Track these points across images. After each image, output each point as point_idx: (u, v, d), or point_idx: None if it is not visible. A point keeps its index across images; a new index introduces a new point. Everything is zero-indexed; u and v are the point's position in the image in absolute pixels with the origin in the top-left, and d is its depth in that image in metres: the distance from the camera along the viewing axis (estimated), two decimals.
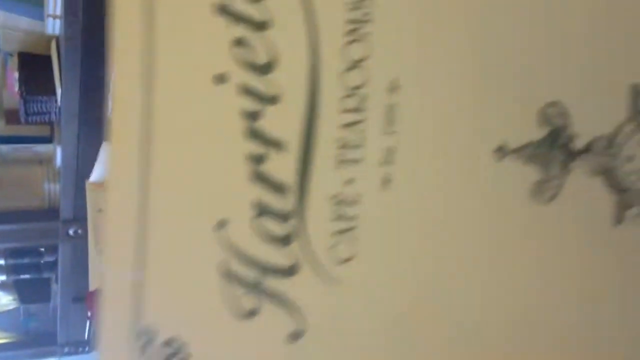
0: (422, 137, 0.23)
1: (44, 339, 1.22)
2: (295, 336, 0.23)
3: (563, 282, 0.24)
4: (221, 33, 0.22)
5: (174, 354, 0.23)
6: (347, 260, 0.23)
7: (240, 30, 0.22)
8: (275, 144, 0.23)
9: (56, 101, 0.99)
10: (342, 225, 0.23)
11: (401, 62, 0.22)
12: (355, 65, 0.22)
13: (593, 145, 0.23)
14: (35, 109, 1.02)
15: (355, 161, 0.23)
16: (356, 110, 0.22)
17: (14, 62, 1.01)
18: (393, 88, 0.22)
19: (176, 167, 0.23)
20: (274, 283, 0.23)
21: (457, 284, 0.24)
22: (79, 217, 0.97)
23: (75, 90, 0.89)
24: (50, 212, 1.06)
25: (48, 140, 1.11)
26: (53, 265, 1.14)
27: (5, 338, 1.26)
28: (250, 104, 0.22)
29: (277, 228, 0.23)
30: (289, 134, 0.23)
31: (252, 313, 0.23)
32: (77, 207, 0.98)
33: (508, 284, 0.24)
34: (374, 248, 0.24)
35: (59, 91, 0.95)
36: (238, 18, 0.22)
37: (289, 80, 0.22)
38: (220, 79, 0.22)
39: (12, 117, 1.08)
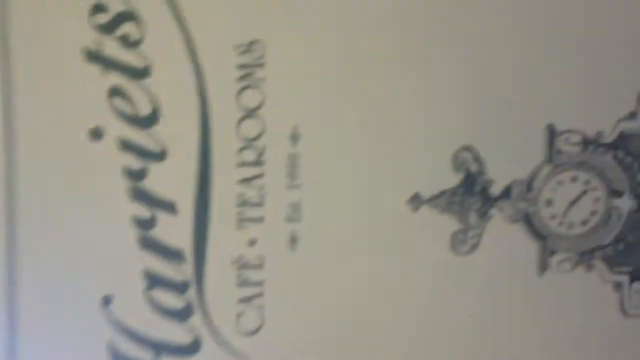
0: (328, 190, 0.21)
1: None
2: None
3: (492, 333, 0.22)
4: (94, 82, 0.19)
5: None
6: (254, 331, 0.21)
7: (115, 79, 0.19)
8: (164, 206, 0.20)
9: None
10: (247, 291, 0.21)
11: (299, 110, 0.20)
12: (250, 114, 0.20)
13: (510, 191, 0.22)
14: None
15: (257, 220, 0.21)
16: (255, 163, 0.20)
17: None
18: (293, 138, 0.20)
19: (48, 240, 0.20)
20: None
21: (377, 348, 0.22)
22: None
23: None
24: None
25: None
26: None
27: None
28: (133, 161, 0.20)
29: (173, 300, 0.21)
30: (179, 194, 0.20)
31: None
32: None
33: (435, 339, 0.22)
34: (281, 316, 0.21)
35: None
36: (111, 65, 0.19)
37: (176, 133, 0.20)
38: (96, 133, 0.20)
39: None
